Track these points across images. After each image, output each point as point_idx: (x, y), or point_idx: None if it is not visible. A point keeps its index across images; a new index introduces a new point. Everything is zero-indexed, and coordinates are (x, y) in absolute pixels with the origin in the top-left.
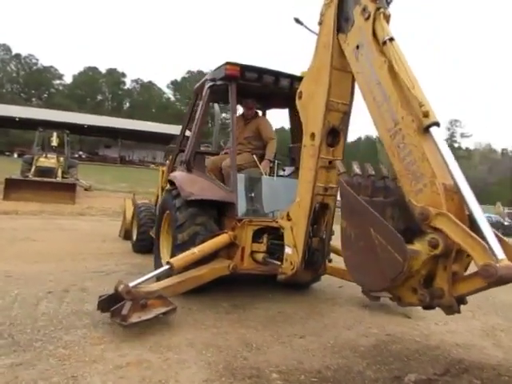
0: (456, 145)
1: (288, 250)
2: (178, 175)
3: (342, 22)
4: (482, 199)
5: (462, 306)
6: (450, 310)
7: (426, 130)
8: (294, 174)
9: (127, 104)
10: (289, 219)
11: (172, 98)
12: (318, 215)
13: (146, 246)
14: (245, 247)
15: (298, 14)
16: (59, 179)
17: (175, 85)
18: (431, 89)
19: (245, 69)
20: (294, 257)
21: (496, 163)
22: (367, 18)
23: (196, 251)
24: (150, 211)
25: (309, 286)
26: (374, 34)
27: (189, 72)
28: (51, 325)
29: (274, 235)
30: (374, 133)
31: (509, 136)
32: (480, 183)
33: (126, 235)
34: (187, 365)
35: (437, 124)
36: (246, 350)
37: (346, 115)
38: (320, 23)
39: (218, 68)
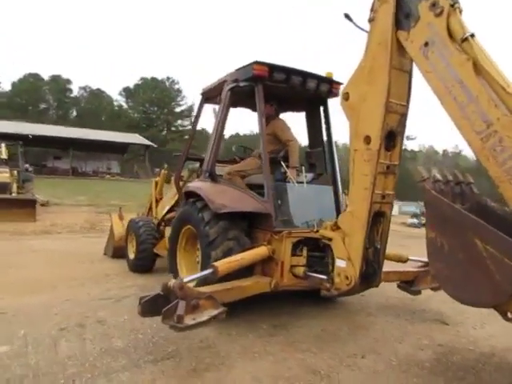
0: (403, 147)
1: (340, 264)
2: (203, 186)
3: (400, 18)
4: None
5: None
6: None
7: None
8: (317, 181)
9: (74, 112)
10: (333, 229)
11: (124, 106)
12: (372, 224)
13: (146, 265)
14: (284, 262)
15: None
16: (15, 195)
17: (127, 92)
18: None
19: (273, 69)
20: (349, 270)
21: (438, 163)
22: (439, 14)
23: (239, 258)
24: (149, 226)
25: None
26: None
27: (142, 79)
28: (85, 371)
29: (312, 247)
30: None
31: (448, 138)
32: None
33: (116, 253)
34: None
35: None
36: (317, 379)
37: (404, 117)
38: (371, 20)
39: (243, 68)
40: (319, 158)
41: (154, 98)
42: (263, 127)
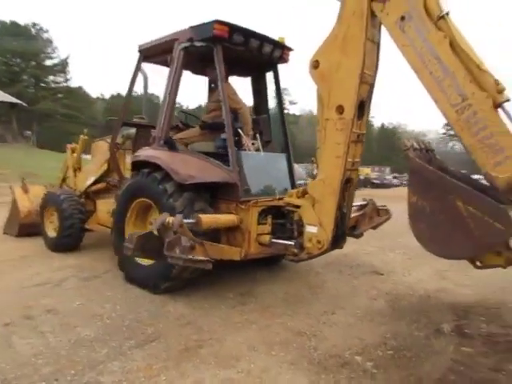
0: (286, 111)
1: (311, 229)
2: (160, 155)
3: None
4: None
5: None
6: None
7: (499, 105)
8: (267, 148)
9: None
10: (299, 197)
11: None
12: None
13: (73, 242)
14: (251, 231)
15: None
16: None
17: None
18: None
19: (233, 30)
20: (321, 235)
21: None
22: None
23: (217, 217)
24: (73, 199)
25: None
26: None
27: None
28: (64, 367)
29: (274, 214)
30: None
31: None
32: (308, 144)
33: (22, 232)
34: (275, 371)
35: (509, 100)
36: (305, 340)
37: (372, 87)
38: None
39: (200, 26)
40: (265, 124)
41: (16, 47)
42: (225, 93)
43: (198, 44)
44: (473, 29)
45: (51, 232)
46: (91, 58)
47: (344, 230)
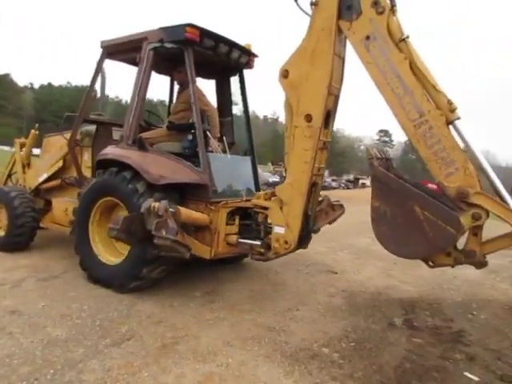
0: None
1: (279, 230)
2: (130, 154)
3: (342, 9)
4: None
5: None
6: (481, 265)
7: (451, 123)
8: (232, 151)
9: None
10: (267, 199)
11: None
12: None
13: (24, 241)
14: (220, 231)
15: None
16: None
17: None
18: None
19: (204, 34)
20: (288, 236)
21: (259, 128)
22: (381, 13)
23: (192, 211)
24: (25, 197)
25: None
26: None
27: None
28: (42, 367)
29: (241, 215)
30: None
31: (269, 105)
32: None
33: None
34: (252, 364)
35: (459, 118)
36: (276, 334)
37: (337, 98)
38: (315, 4)
39: (171, 28)
40: (229, 127)
41: None
42: (196, 96)
43: (168, 45)
44: (473, 29)
45: (2, 231)
46: (22, 44)
47: (309, 230)
